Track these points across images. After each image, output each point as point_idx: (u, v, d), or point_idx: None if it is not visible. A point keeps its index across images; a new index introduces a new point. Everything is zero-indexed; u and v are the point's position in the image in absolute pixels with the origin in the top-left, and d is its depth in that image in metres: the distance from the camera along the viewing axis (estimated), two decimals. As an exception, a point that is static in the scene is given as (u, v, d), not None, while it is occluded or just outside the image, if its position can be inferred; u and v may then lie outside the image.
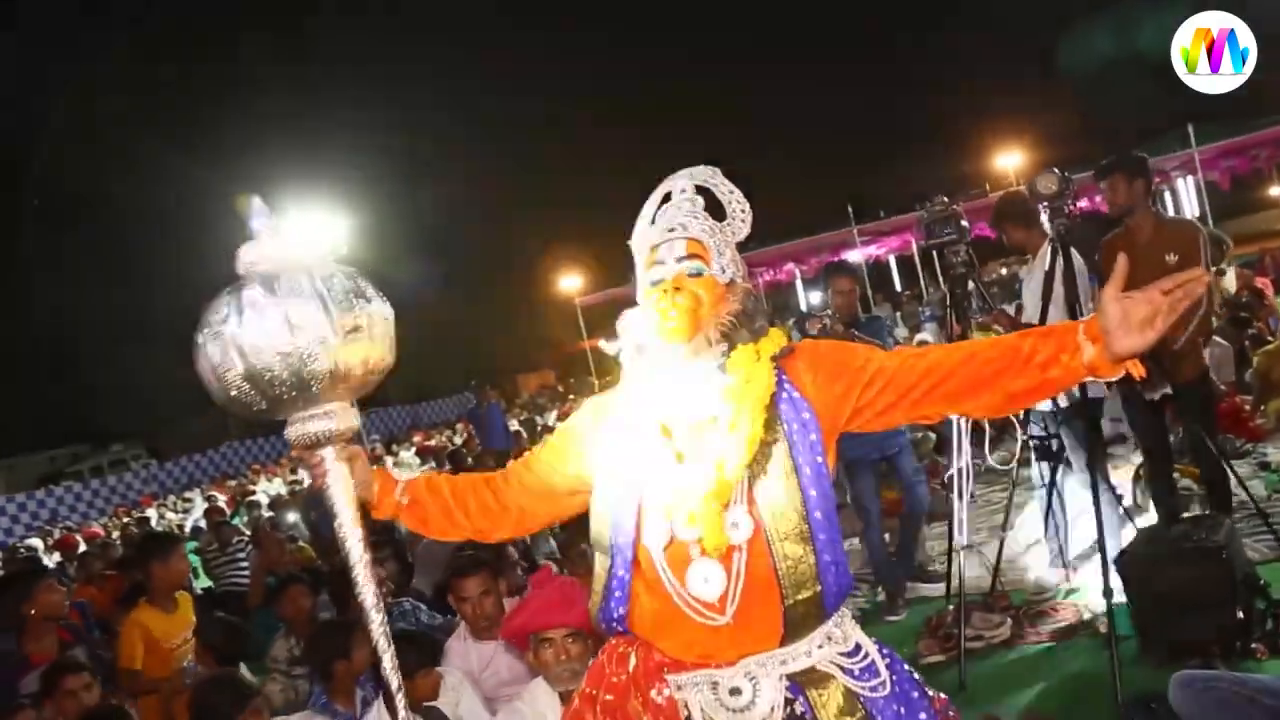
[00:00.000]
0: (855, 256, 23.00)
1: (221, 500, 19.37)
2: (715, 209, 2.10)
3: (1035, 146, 30.04)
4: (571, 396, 27.60)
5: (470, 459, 11.88)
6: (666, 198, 2.11)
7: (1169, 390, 4.52)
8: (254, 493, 18.56)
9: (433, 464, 15.12)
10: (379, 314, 1.97)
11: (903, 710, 1.94)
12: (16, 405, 42.62)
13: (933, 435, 7.87)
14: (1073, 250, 4.34)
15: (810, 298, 29.90)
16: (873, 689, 1.94)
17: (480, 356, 40.29)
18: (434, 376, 41.68)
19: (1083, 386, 4.34)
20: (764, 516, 1.90)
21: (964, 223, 4.59)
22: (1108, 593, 4.08)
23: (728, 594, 1.90)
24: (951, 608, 4.70)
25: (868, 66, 50.94)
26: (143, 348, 40.58)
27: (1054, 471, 5.00)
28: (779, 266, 29.75)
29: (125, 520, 19.09)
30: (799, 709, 1.91)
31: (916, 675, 2.04)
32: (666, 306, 1.96)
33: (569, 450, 2.17)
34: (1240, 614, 3.79)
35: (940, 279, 4.93)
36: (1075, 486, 4.91)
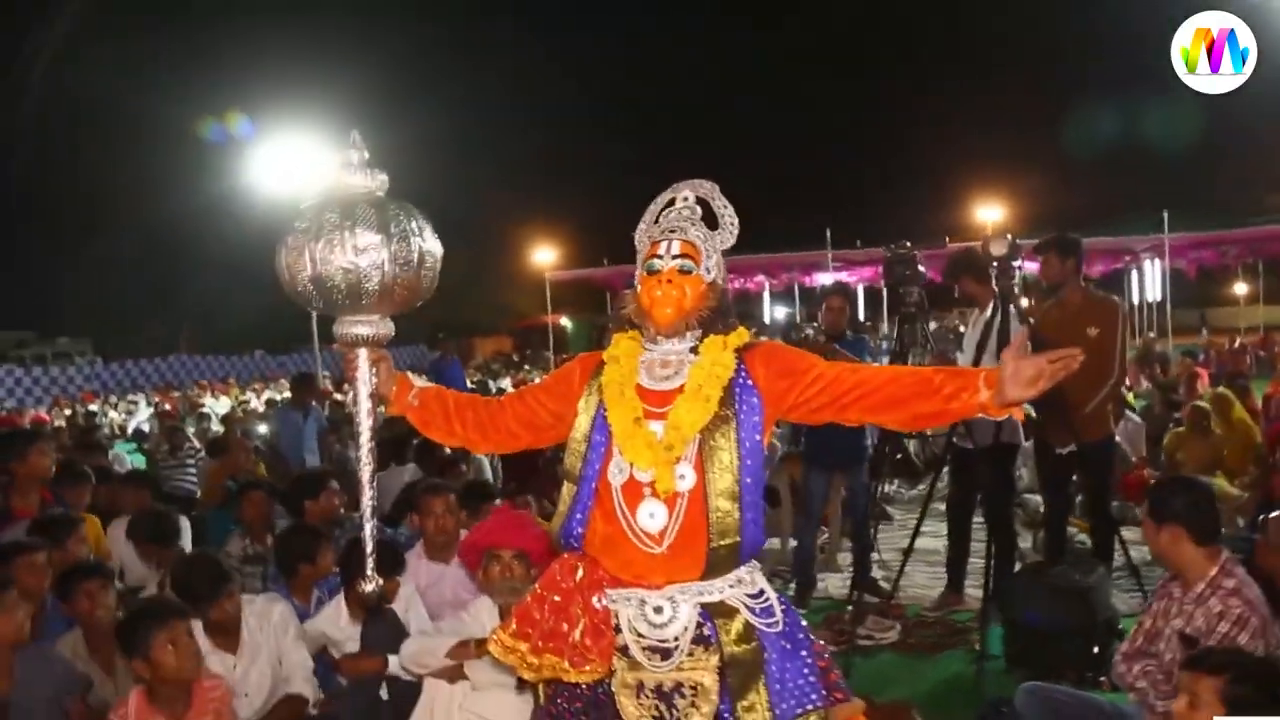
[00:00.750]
0: (825, 279, 23.47)
1: (156, 403, 19.60)
2: (710, 219, 2.56)
3: (1018, 201, 30.93)
4: (526, 367, 27.91)
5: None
6: (670, 204, 2.56)
7: (1075, 447, 5.04)
8: (203, 405, 18.82)
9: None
10: (430, 252, 2.44)
11: (788, 646, 2.41)
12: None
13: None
14: (1013, 308, 4.84)
15: (775, 311, 30.44)
16: (768, 625, 2.41)
17: (439, 312, 40.22)
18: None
19: (998, 434, 4.87)
20: (707, 474, 2.36)
21: (921, 267, 5.09)
22: (984, 616, 4.65)
23: (667, 530, 2.36)
24: (850, 609, 5.22)
25: (869, 100, 51.68)
26: (104, 246, 40.22)
27: (962, 508, 5.56)
28: (749, 276, 30.17)
29: (69, 412, 19.16)
30: (706, 631, 2.37)
31: (805, 624, 2.51)
32: (660, 295, 2.41)
33: (557, 391, 2.61)
34: (1096, 650, 4.31)
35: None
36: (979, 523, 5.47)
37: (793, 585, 5.90)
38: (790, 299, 29.57)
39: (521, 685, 2.80)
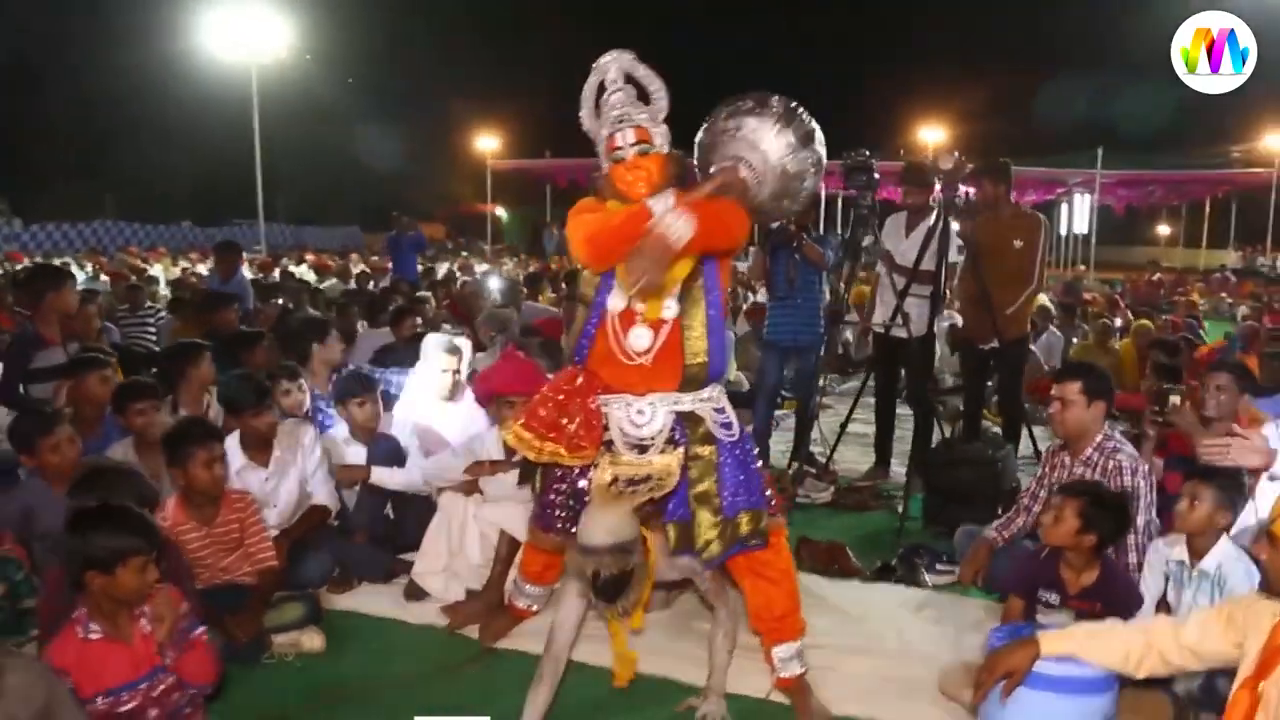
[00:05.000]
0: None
1: (89, 268, 19.43)
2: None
3: (959, 123, 31.69)
4: (464, 254, 28.08)
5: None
6: (602, 87, 2.98)
7: (996, 344, 5.73)
8: (147, 269, 18.86)
9: (334, 280, 15.74)
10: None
11: (741, 456, 3.08)
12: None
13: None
14: (951, 218, 5.45)
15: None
16: (726, 435, 3.06)
17: (373, 193, 39.81)
18: (323, 202, 40.52)
19: (932, 326, 5.54)
20: (685, 305, 2.96)
21: (875, 175, 5.66)
22: (908, 482, 5.36)
23: (651, 348, 2.96)
24: (791, 472, 5.92)
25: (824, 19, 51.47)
26: (26, 101, 38.63)
27: (888, 394, 6.28)
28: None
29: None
30: (676, 435, 3.01)
31: (757, 451, 3.15)
32: (631, 179, 2.93)
33: None
34: (1000, 510, 5.03)
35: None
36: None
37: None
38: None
39: (522, 481, 3.40)
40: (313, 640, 3.66)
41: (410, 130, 37.62)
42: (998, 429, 6.82)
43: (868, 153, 5.70)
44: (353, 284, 14.50)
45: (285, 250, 26.87)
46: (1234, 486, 3.38)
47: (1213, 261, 31.99)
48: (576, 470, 3.05)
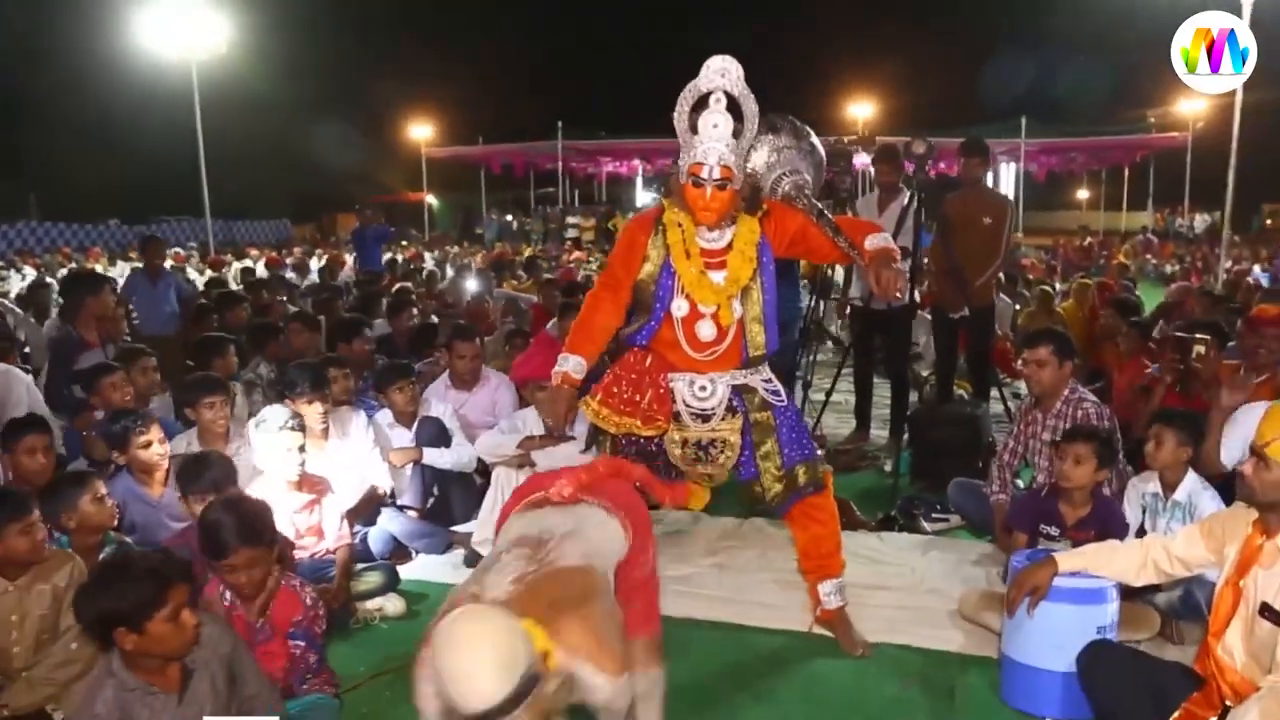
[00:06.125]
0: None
1: (30, 270, 19.19)
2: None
3: (885, 97, 32.38)
4: (405, 243, 28.00)
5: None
6: (704, 100, 3.28)
7: (966, 313, 6.24)
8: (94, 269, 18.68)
9: (292, 274, 15.78)
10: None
11: (792, 415, 3.58)
12: None
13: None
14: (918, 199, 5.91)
15: (645, 197, 31.07)
16: (776, 401, 3.54)
17: (302, 185, 39.38)
18: (251, 196, 39.95)
19: (913, 298, 6.02)
20: (745, 305, 3.39)
21: (854, 160, 6.13)
22: (894, 442, 5.84)
23: (715, 344, 3.42)
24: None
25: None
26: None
27: (866, 361, 6.78)
28: (626, 160, 30.79)
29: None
30: (734, 404, 3.48)
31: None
32: (702, 205, 3.31)
33: (633, 257, 3.48)
34: (980, 464, 5.55)
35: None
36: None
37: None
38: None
39: (588, 446, 3.80)
40: (395, 605, 4.05)
41: (340, 121, 37.22)
42: (961, 392, 7.38)
43: (847, 139, 6.17)
44: (314, 277, 14.65)
45: (220, 246, 26.51)
46: (1191, 427, 3.91)
47: (1133, 224, 33.25)
48: (644, 439, 3.48)
